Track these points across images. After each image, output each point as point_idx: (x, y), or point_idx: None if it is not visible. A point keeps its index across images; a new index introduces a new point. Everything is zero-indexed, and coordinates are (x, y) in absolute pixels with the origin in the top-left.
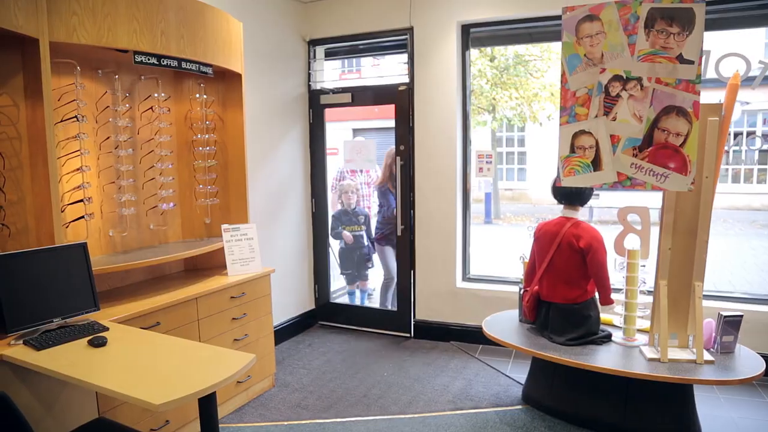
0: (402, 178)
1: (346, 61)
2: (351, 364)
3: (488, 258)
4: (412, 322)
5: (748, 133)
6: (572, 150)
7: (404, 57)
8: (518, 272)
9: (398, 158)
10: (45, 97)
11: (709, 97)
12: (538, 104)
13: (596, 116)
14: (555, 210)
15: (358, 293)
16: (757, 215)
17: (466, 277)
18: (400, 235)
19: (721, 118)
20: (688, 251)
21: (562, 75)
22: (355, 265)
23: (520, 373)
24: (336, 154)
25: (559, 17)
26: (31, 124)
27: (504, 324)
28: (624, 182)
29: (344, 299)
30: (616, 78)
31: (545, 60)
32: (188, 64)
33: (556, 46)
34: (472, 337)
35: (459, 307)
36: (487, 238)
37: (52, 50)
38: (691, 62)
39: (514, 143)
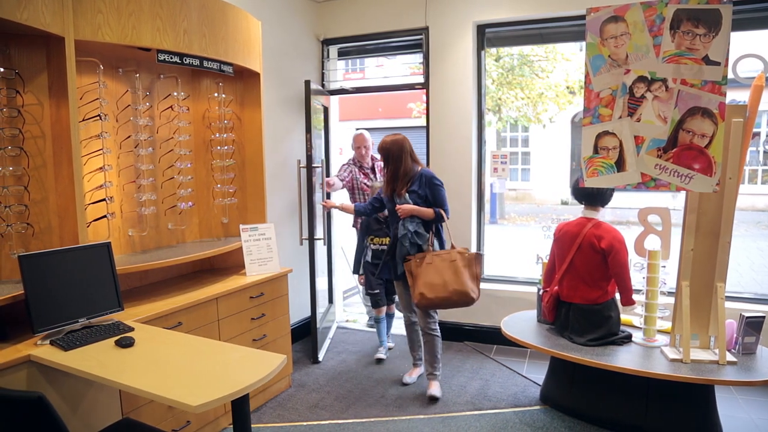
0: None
1: (350, 61)
2: (366, 365)
3: (496, 258)
4: None
5: (753, 134)
6: (596, 151)
7: (413, 57)
8: (529, 272)
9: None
10: (70, 96)
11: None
12: (542, 105)
13: (620, 117)
14: (559, 210)
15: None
16: (762, 216)
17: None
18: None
19: (745, 119)
20: (710, 252)
21: (586, 76)
22: (383, 285)
23: (537, 373)
24: (341, 154)
25: (574, 18)
26: (55, 122)
27: (522, 324)
28: (648, 183)
29: (355, 298)
30: (641, 79)
31: (551, 60)
32: (210, 63)
33: (561, 47)
34: (486, 337)
35: (473, 307)
36: (493, 238)
37: (75, 49)
38: (717, 64)
39: (518, 143)
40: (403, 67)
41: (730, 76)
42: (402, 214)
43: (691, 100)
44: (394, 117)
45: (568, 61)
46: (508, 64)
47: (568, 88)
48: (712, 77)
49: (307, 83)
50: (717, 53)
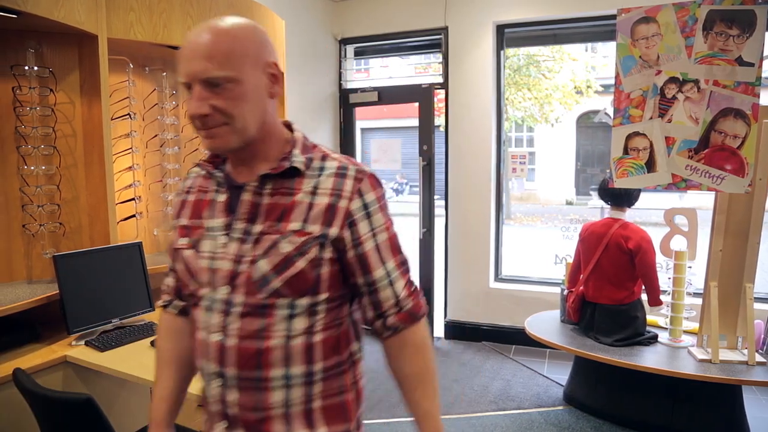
0: (424, 178)
1: (355, 61)
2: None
3: (510, 258)
4: (443, 323)
5: None
6: (625, 152)
7: (420, 58)
8: (544, 272)
9: (420, 158)
10: (102, 94)
11: None
12: (548, 105)
13: (651, 118)
14: (564, 210)
15: None
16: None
17: (498, 278)
18: (422, 238)
19: None
20: (738, 253)
21: (616, 76)
22: None
23: (558, 373)
24: None
25: (594, 18)
26: (86, 121)
27: (546, 324)
28: (679, 184)
29: None
30: (673, 80)
31: (557, 60)
32: None
33: (567, 47)
34: (504, 337)
35: (491, 307)
36: (503, 238)
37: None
38: (751, 65)
39: (523, 144)
40: (409, 67)
41: None
42: None
43: (723, 101)
44: (400, 117)
45: (575, 60)
46: (515, 65)
47: (575, 88)
48: (746, 78)
49: (427, 90)
50: (751, 54)
